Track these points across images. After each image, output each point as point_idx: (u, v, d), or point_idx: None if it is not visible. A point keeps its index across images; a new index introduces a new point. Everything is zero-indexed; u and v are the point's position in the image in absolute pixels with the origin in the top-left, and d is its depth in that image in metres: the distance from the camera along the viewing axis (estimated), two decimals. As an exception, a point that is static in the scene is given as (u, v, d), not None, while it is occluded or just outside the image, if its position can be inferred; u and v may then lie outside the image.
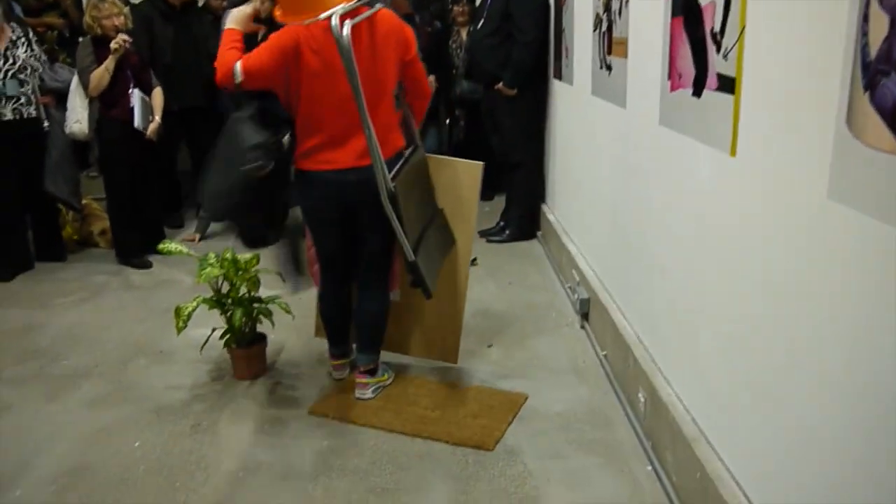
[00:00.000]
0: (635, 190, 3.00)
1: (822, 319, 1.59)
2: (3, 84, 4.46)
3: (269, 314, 3.25)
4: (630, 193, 3.08)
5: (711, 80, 2.11)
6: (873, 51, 1.34)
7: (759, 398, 1.90)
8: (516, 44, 4.83)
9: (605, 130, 3.47)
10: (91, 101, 4.59)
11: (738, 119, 1.96)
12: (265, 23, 4.09)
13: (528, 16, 4.80)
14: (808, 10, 1.61)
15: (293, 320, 3.43)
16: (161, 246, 3.33)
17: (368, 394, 3.06)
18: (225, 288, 3.21)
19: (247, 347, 3.27)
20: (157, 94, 4.81)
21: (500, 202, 5.65)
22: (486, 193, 6.22)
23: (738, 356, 2.03)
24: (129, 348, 3.66)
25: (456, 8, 5.90)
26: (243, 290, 3.21)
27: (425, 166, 3.09)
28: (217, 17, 5.66)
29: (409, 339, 3.33)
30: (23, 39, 4.62)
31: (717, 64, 2.07)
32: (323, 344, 3.31)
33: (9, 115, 4.49)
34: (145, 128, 4.66)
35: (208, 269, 3.13)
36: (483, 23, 5.00)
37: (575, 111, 4.28)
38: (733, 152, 1.99)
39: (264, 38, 2.74)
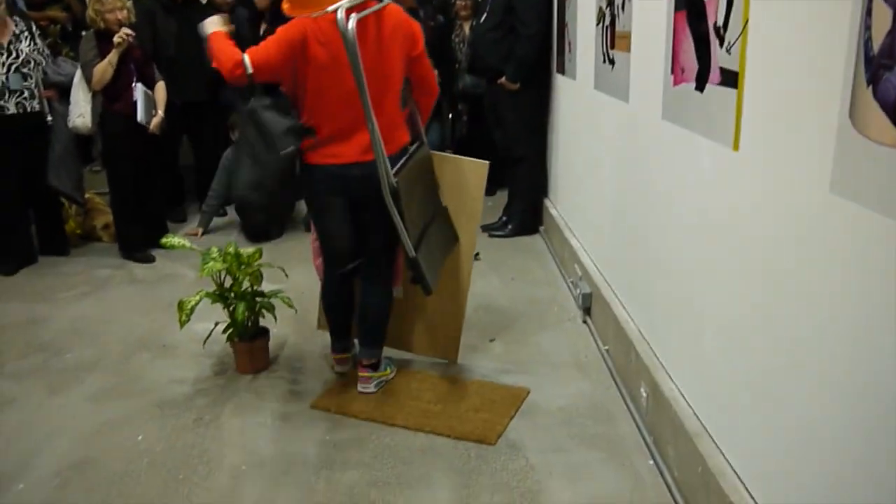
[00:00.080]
0: (638, 184, 2.99)
1: (824, 314, 1.59)
2: (7, 78, 4.46)
3: (271, 308, 3.26)
4: (633, 188, 3.07)
5: (714, 75, 2.10)
6: (876, 45, 1.33)
7: (761, 393, 1.90)
8: (519, 38, 4.81)
9: (608, 125, 3.47)
10: (94, 95, 4.59)
11: (740, 113, 1.95)
12: (271, 17, 4.07)
13: (531, 10, 4.79)
14: (811, 5, 1.60)
15: (296, 314, 3.44)
16: (164, 240, 3.33)
17: (371, 388, 3.07)
18: (228, 282, 3.21)
19: (249, 341, 3.27)
20: (161, 89, 4.82)
21: (502, 197, 5.64)
22: (489, 188, 6.17)
23: (740, 351, 2.03)
24: (132, 342, 3.67)
25: (458, 2, 5.89)
26: (246, 284, 3.22)
27: (429, 163, 3.09)
28: (223, 14, 5.65)
29: (410, 336, 3.33)
30: (26, 33, 4.62)
31: (720, 58, 2.06)
32: (325, 338, 3.31)
33: (12, 109, 4.50)
34: (148, 122, 4.67)
35: (211, 263, 3.13)
36: (486, 17, 4.98)
37: (578, 106, 4.27)
38: (736, 146, 1.98)
39: (270, 31, 2.74)
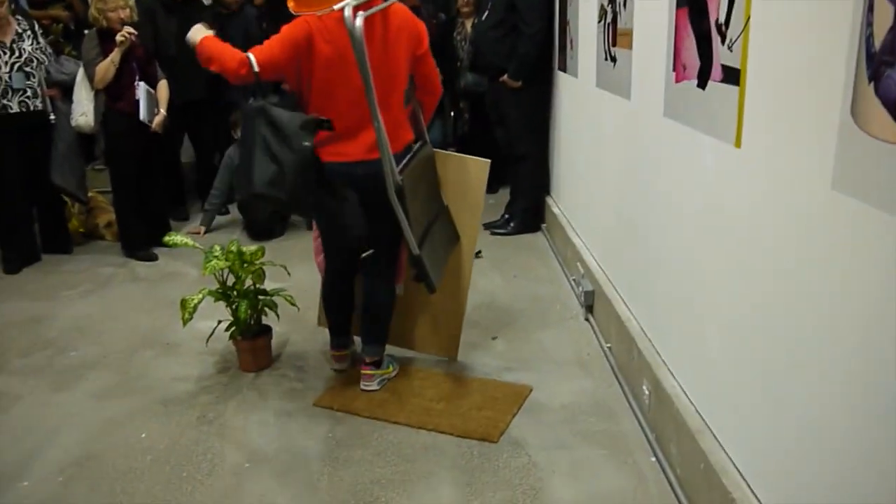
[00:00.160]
0: (640, 182, 2.99)
1: (826, 310, 1.59)
2: (10, 77, 4.47)
3: (274, 306, 3.26)
4: (635, 185, 3.07)
5: (716, 72, 2.10)
6: (878, 42, 1.33)
7: (764, 390, 1.90)
8: (521, 35, 4.81)
9: (610, 122, 3.47)
10: (97, 93, 4.60)
11: (742, 110, 1.95)
12: (270, 15, 4.05)
13: (533, 7, 4.78)
14: (813, 2, 1.60)
15: (298, 312, 3.44)
16: (167, 238, 3.34)
17: (374, 385, 3.08)
18: (230, 280, 3.22)
19: (252, 339, 3.28)
20: (163, 87, 4.82)
21: (504, 195, 5.64)
22: (491, 186, 6.19)
23: (742, 348, 2.03)
24: (135, 340, 3.68)
25: (460, -1, 5.90)
26: (248, 282, 3.22)
27: (432, 162, 3.09)
28: (231, 13, 5.65)
29: (410, 334, 3.33)
30: (28, 32, 4.62)
31: (722, 55, 2.06)
32: (327, 336, 3.31)
33: (15, 108, 4.51)
34: (151, 120, 4.67)
35: (214, 261, 3.14)
36: (487, 14, 4.98)
37: (580, 103, 4.27)
38: (738, 143, 1.99)
39: (275, 30, 2.73)
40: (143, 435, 2.84)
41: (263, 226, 5.25)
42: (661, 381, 2.57)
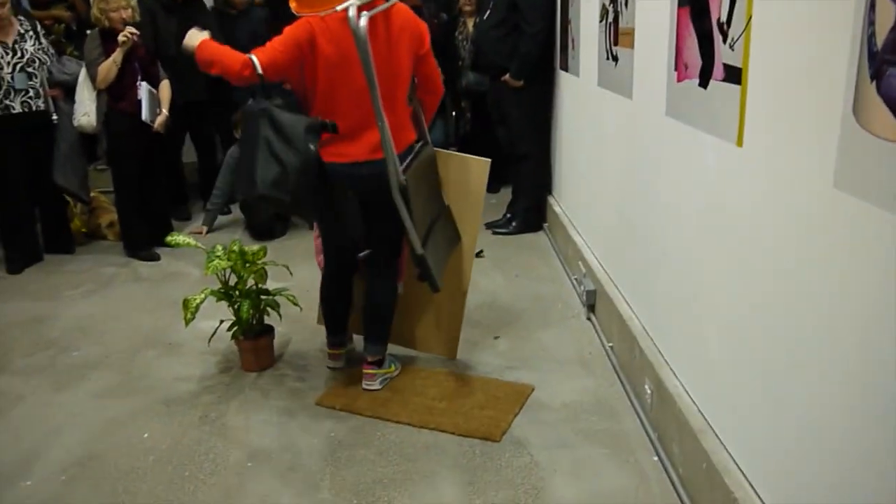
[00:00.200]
0: (642, 181, 2.99)
1: (828, 310, 1.59)
2: (12, 77, 4.47)
3: (276, 306, 3.27)
4: (636, 185, 3.07)
5: (718, 71, 2.10)
6: (880, 40, 1.33)
7: (766, 389, 1.90)
8: (523, 35, 4.81)
9: (612, 122, 3.47)
10: (99, 93, 4.60)
11: (744, 109, 1.95)
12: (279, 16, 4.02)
13: (535, 6, 4.78)
14: (815, 0, 1.60)
15: (300, 312, 3.44)
16: (169, 238, 3.34)
17: (376, 385, 3.08)
18: (232, 280, 3.23)
19: (254, 339, 3.28)
20: (165, 87, 4.82)
21: (506, 194, 5.65)
22: (493, 185, 6.21)
23: (744, 347, 2.03)
24: (137, 340, 3.68)
25: (462, -3, 5.89)
26: (251, 282, 3.23)
27: (434, 162, 3.10)
28: (237, 13, 5.64)
29: (409, 333, 3.33)
30: (31, 33, 4.63)
31: (723, 54, 2.06)
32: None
33: (18, 108, 4.51)
34: (153, 120, 4.68)
35: (216, 261, 3.14)
36: (489, 13, 4.98)
37: (581, 102, 4.27)
38: (740, 142, 1.98)
39: (278, 31, 2.73)
40: (146, 435, 2.84)
41: (265, 225, 5.26)
42: (663, 380, 2.57)
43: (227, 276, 3.21)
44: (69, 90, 4.72)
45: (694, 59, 2.27)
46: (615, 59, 3.33)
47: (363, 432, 2.81)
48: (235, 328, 3.23)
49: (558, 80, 4.96)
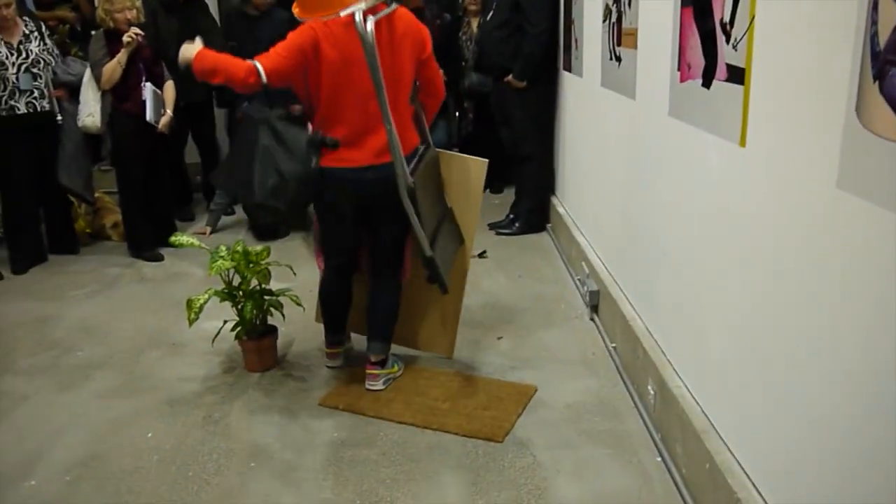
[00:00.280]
0: (645, 181, 2.99)
1: (831, 310, 1.59)
2: (17, 78, 4.48)
3: (279, 306, 3.27)
4: (640, 185, 3.07)
5: (721, 71, 2.10)
6: (882, 40, 1.33)
7: (769, 390, 1.90)
8: (526, 35, 4.81)
9: (615, 122, 3.46)
10: (103, 94, 4.61)
11: (747, 109, 1.95)
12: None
13: (538, 7, 4.78)
14: (818, 0, 1.60)
15: (304, 312, 3.45)
16: (173, 238, 3.35)
17: (379, 385, 3.08)
18: (236, 280, 3.23)
19: (258, 339, 3.29)
20: (169, 88, 4.83)
21: (509, 195, 5.65)
22: (496, 186, 6.23)
23: (747, 348, 2.03)
24: (141, 340, 3.69)
25: (467, -3, 5.89)
26: (254, 282, 3.23)
27: (437, 164, 3.12)
28: (260, 14, 5.62)
29: (407, 332, 3.33)
30: (35, 33, 4.64)
31: (726, 54, 2.06)
32: (329, 333, 3.33)
33: (22, 109, 4.52)
34: (157, 121, 4.68)
35: (219, 261, 3.14)
36: (492, 14, 4.99)
37: (585, 103, 4.27)
38: (743, 142, 1.98)
39: (281, 36, 2.74)
40: (149, 435, 2.85)
41: (269, 226, 5.26)
42: (667, 380, 2.57)
43: (230, 276, 3.22)
44: (74, 91, 4.73)
45: (697, 59, 2.27)
46: (618, 59, 3.33)
47: (366, 432, 2.81)
48: (239, 328, 3.24)
49: (561, 81, 4.96)
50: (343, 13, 2.61)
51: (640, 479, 2.49)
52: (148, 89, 4.64)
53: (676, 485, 2.41)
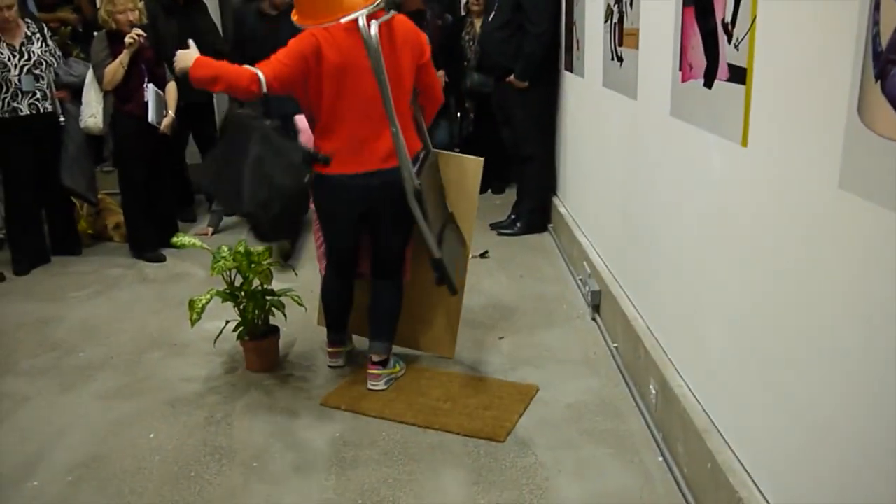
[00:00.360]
0: (646, 181, 2.99)
1: (832, 310, 1.59)
2: (19, 79, 4.49)
3: (281, 307, 3.27)
4: (641, 185, 3.07)
5: (722, 71, 2.10)
6: (884, 40, 1.33)
7: (770, 389, 1.90)
8: (527, 35, 4.81)
9: (617, 122, 3.47)
10: (105, 95, 4.62)
11: (749, 109, 1.95)
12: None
13: (540, 7, 4.78)
14: (819, 0, 1.60)
15: (305, 313, 3.45)
16: (174, 239, 3.35)
17: (381, 385, 3.08)
18: (238, 281, 3.23)
19: (259, 340, 3.29)
20: (172, 89, 4.84)
21: (511, 195, 5.65)
22: (498, 186, 6.23)
23: (749, 347, 2.03)
24: (143, 341, 3.69)
25: (470, -3, 5.90)
26: (256, 282, 3.23)
27: (438, 170, 3.13)
28: (279, 13, 5.60)
29: (407, 332, 3.33)
30: (38, 35, 4.65)
31: (728, 54, 2.06)
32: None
33: (25, 110, 4.53)
34: (159, 122, 4.69)
35: (221, 262, 3.15)
36: (494, 14, 4.99)
37: (586, 103, 4.27)
38: (745, 142, 1.98)
39: (283, 43, 2.74)
40: (151, 435, 2.85)
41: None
42: (668, 380, 2.57)
43: (232, 276, 3.22)
44: (76, 92, 4.73)
45: (698, 59, 2.27)
46: (620, 59, 3.33)
47: (368, 432, 2.81)
48: (241, 329, 3.24)
49: (563, 81, 4.96)
50: (344, 20, 2.63)
51: (642, 478, 2.49)
52: (150, 90, 4.64)
53: (678, 484, 2.41)
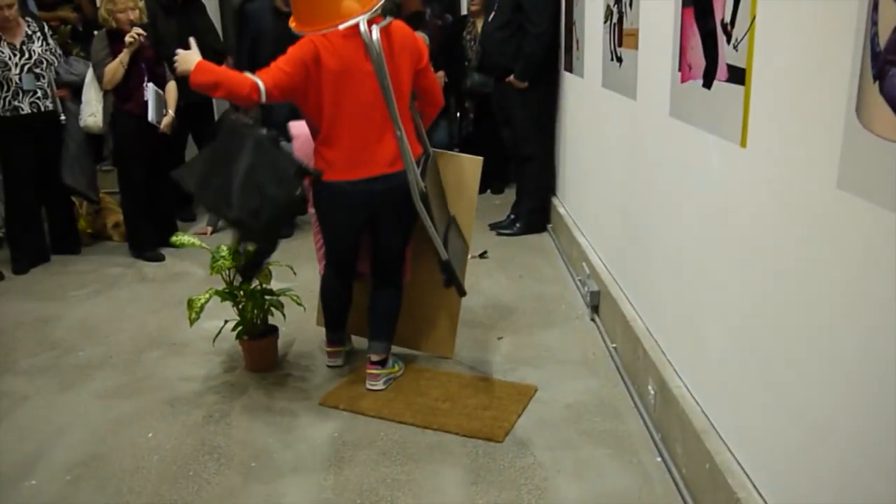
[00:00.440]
0: (646, 182, 2.99)
1: (831, 310, 1.59)
2: (20, 78, 4.49)
3: (280, 306, 3.27)
4: (640, 185, 3.07)
5: (722, 71, 2.10)
6: (883, 41, 1.33)
7: (770, 390, 1.90)
8: (527, 36, 4.81)
9: (616, 122, 3.47)
10: (105, 94, 4.62)
11: (748, 110, 1.95)
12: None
13: (540, 8, 4.78)
14: (818, 1, 1.60)
15: (304, 312, 3.45)
16: (174, 238, 3.35)
17: (379, 385, 3.08)
18: (237, 280, 3.23)
19: (258, 339, 3.29)
20: (172, 88, 4.83)
21: (510, 195, 5.65)
22: (497, 186, 6.24)
23: (747, 348, 2.03)
24: (142, 340, 3.69)
25: (471, -2, 5.90)
26: (255, 282, 3.23)
27: (438, 174, 3.13)
28: (285, 13, 5.57)
29: (406, 332, 3.33)
30: (38, 34, 4.65)
31: (727, 55, 2.06)
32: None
33: (26, 109, 4.54)
34: (159, 121, 4.69)
35: (220, 261, 3.15)
36: (494, 15, 4.99)
37: (586, 103, 4.27)
38: (744, 143, 1.98)
39: (282, 50, 2.74)
40: (150, 434, 2.85)
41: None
42: (667, 380, 2.57)
43: (231, 276, 3.22)
44: (77, 91, 4.74)
45: (698, 59, 2.27)
46: (619, 59, 3.33)
47: (367, 432, 2.81)
48: (240, 328, 3.24)
49: (563, 82, 4.96)
50: (342, 26, 2.63)
51: (641, 479, 2.49)
52: (150, 90, 4.64)
53: (676, 485, 2.41)
